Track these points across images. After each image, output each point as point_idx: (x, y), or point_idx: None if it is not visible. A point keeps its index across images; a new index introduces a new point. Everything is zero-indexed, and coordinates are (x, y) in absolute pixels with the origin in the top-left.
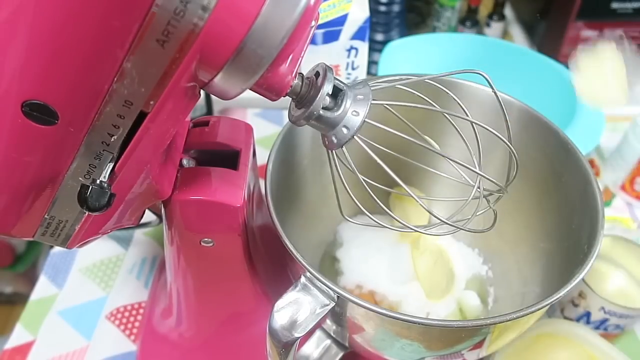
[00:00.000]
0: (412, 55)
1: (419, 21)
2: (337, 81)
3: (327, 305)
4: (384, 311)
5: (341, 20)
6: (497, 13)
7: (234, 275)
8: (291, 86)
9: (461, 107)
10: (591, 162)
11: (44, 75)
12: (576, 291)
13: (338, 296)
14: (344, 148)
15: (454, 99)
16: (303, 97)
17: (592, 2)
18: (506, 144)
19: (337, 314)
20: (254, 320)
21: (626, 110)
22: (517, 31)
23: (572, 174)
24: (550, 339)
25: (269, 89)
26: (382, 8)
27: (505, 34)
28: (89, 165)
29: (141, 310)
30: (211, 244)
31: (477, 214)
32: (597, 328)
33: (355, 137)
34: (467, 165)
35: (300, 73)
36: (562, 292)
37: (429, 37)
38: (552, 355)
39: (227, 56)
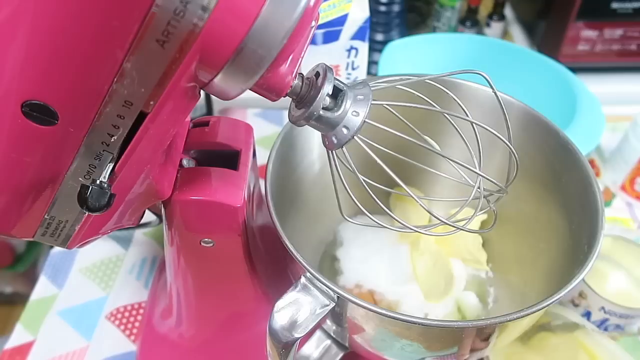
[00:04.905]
0: (412, 55)
1: (419, 21)
2: (337, 81)
3: (327, 305)
4: (384, 311)
5: (341, 20)
6: (497, 13)
7: (234, 275)
8: (291, 86)
9: (461, 107)
10: (591, 162)
11: (44, 75)
12: (576, 291)
13: (338, 296)
14: (344, 148)
15: (454, 99)
16: (303, 98)
17: (592, 2)
18: (506, 144)
19: (337, 314)
20: (254, 320)
21: (626, 110)
22: (517, 31)
23: (572, 174)
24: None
25: (269, 90)
26: (382, 8)
27: (505, 34)
28: (89, 165)
29: (141, 311)
30: (211, 244)
31: (478, 214)
32: (597, 328)
33: (355, 137)
34: (467, 166)
35: (300, 73)
36: (562, 292)
37: (429, 37)
38: (542, 339)
39: (227, 56)
